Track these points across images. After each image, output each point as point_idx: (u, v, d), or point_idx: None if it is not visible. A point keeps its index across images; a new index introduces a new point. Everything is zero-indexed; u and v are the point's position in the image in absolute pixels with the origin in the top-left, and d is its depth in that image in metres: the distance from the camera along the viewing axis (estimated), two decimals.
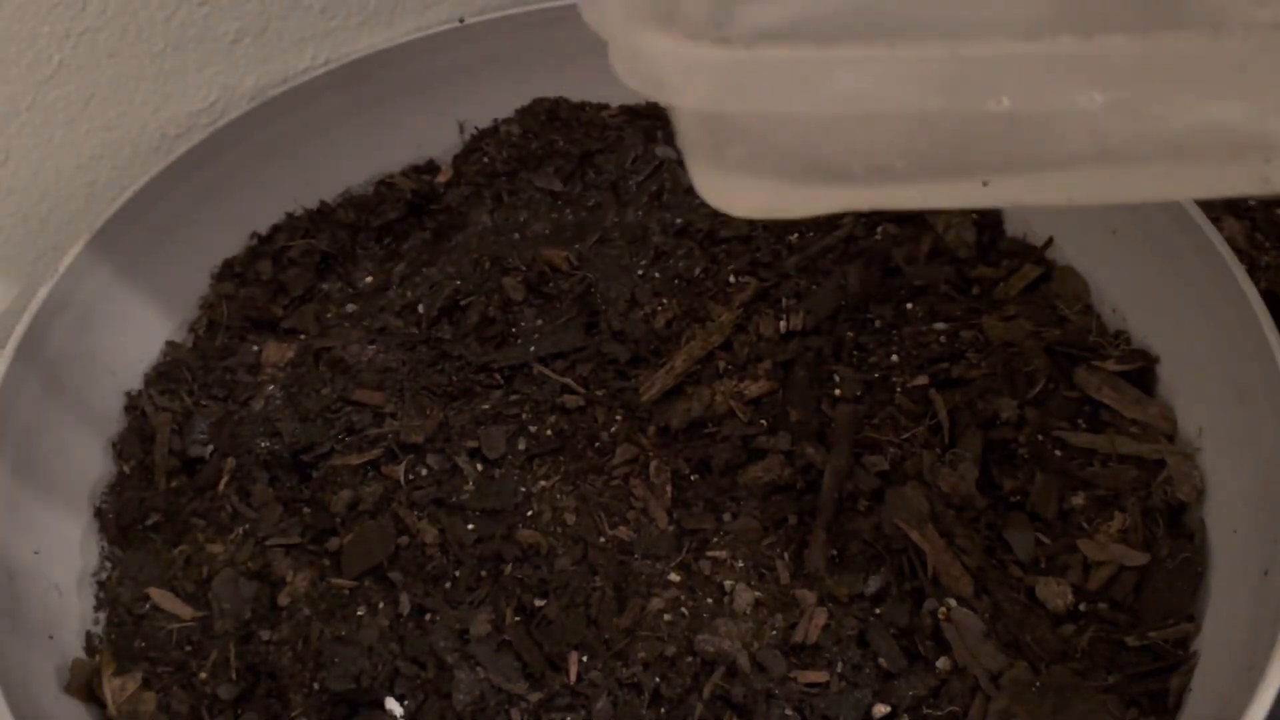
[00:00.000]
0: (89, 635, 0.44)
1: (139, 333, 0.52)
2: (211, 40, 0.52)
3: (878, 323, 0.50)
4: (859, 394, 0.48)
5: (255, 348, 0.52)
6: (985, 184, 0.25)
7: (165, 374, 0.52)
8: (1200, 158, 0.24)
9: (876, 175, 0.26)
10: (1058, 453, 0.46)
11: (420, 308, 0.53)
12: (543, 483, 0.46)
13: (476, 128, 0.62)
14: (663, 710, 0.40)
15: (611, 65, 0.26)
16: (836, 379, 0.48)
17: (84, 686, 0.42)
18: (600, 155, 0.60)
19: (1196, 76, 0.22)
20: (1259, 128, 0.23)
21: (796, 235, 0.55)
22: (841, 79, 0.23)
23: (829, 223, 0.55)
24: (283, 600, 0.43)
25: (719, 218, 0.56)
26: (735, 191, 0.27)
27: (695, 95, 0.25)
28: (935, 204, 0.28)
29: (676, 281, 0.53)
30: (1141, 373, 0.47)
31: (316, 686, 0.41)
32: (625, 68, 0.26)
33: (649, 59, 0.25)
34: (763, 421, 0.47)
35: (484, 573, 0.44)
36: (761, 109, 0.25)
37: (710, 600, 0.42)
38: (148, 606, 0.44)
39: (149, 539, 0.46)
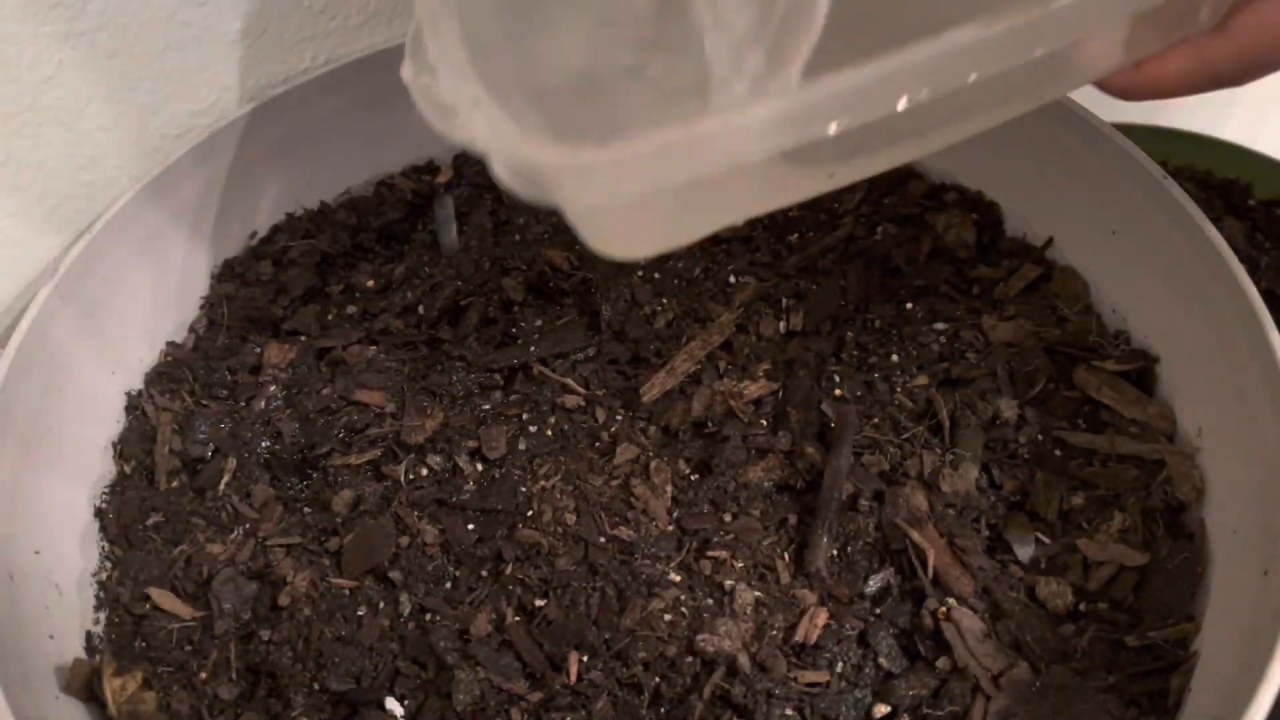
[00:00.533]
0: (89, 635, 0.44)
1: (139, 333, 0.52)
2: (211, 40, 0.52)
3: (878, 323, 0.51)
4: (859, 394, 0.48)
5: (256, 348, 0.52)
6: (831, 175, 0.32)
7: (165, 374, 0.52)
8: (997, 100, 0.32)
9: (742, 199, 0.33)
10: (1058, 453, 0.46)
11: (421, 308, 0.53)
12: (543, 483, 0.46)
13: None
14: (663, 710, 0.40)
15: (496, 176, 0.30)
16: (836, 379, 0.48)
17: (84, 686, 0.42)
18: None
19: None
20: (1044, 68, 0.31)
21: (796, 235, 0.55)
22: (709, 147, 0.29)
23: (829, 223, 0.55)
24: (283, 600, 0.43)
25: None
26: (627, 245, 0.33)
27: (591, 194, 0.30)
28: (790, 201, 0.33)
29: (676, 281, 0.53)
30: (1141, 373, 0.47)
31: (317, 686, 0.41)
32: (516, 180, 0.30)
33: (540, 171, 0.29)
34: (763, 421, 0.47)
35: (484, 573, 0.44)
36: (646, 189, 0.29)
37: (711, 600, 0.42)
38: (148, 606, 0.44)
39: (149, 539, 0.46)
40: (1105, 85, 0.36)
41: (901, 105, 0.29)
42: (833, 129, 0.29)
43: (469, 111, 0.32)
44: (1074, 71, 0.34)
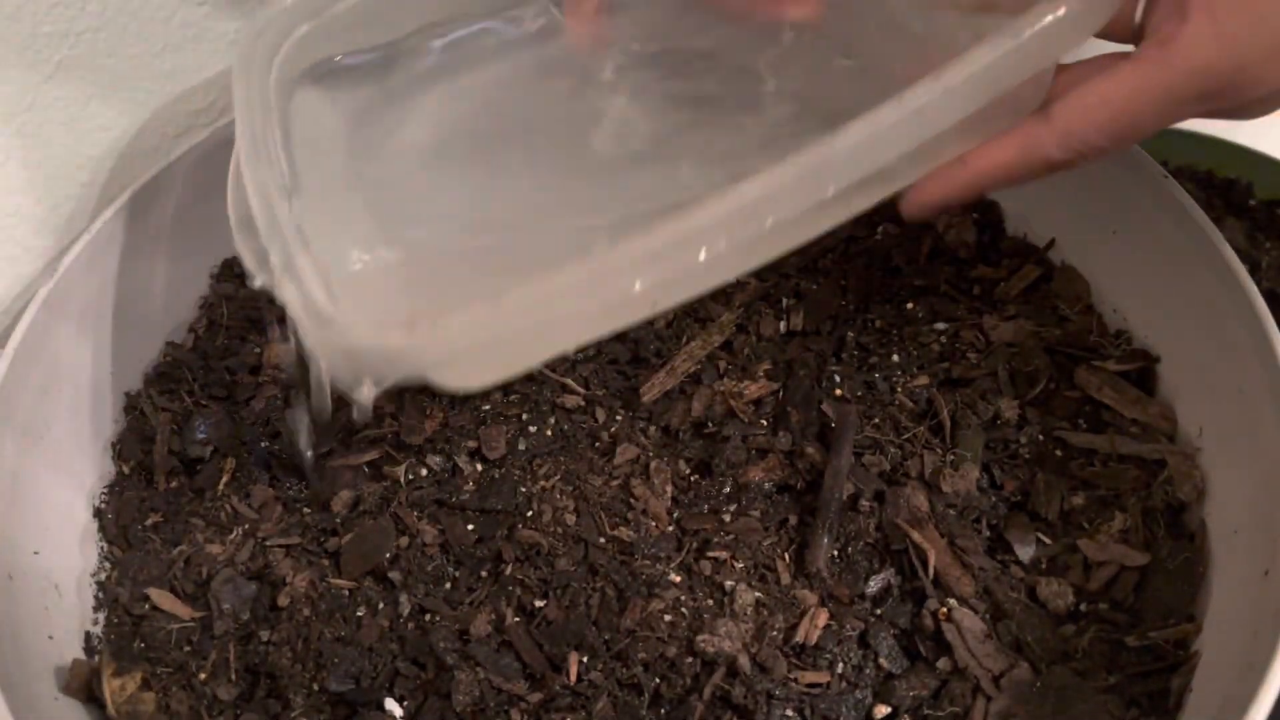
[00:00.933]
0: (88, 636, 0.44)
1: (139, 333, 0.52)
2: (211, 40, 0.52)
3: (878, 323, 0.50)
4: (859, 394, 0.48)
5: (256, 348, 0.52)
6: (654, 303, 0.34)
7: (165, 374, 0.52)
8: (810, 225, 0.34)
9: (569, 335, 0.35)
10: (1058, 453, 0.46)
11: None
12: (543, 483, 0.46)
13: None
14: (663, 711, 0.40)
15: (318, 356, 0.33)
16: (837, 379, 0.48)
17: (83, 687, 0.42)
18: None
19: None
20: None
21: None
22: (523, 313, 0.31)
23: None
24: (282, 600, 0.43)
25: None
26: (466, 382, 0.36)
27: (417, 369, 0.32)
28: (618, 328, 0.35)
29: None
30: (1142, 373, 0.47)
31: (316, 687, 0.41)
32: (337, 364, 0.32)
33: (353, 352, 0.32)
34: (763, 421, 0.47)
35: (484, 573, 0.44)
36: (458, 359, 0.32)
37: (711, 601, 0.42)
38: (147, 607, 0.44)
39: (148, 539, 0.46)
40: (912, 193, 0.35)
41: (702, 257, 0.31)
42: (638, 286, 0.31)
43: (281, 275, 0.33)
44: (887, 184, 0.35)
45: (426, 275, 0.38)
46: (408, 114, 0.43)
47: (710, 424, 0.47)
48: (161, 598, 0.44)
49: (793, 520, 0.44)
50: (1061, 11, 0.32)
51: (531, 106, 0.44)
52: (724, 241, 0.31)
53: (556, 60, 0.44)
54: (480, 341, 0.31)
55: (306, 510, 0.46)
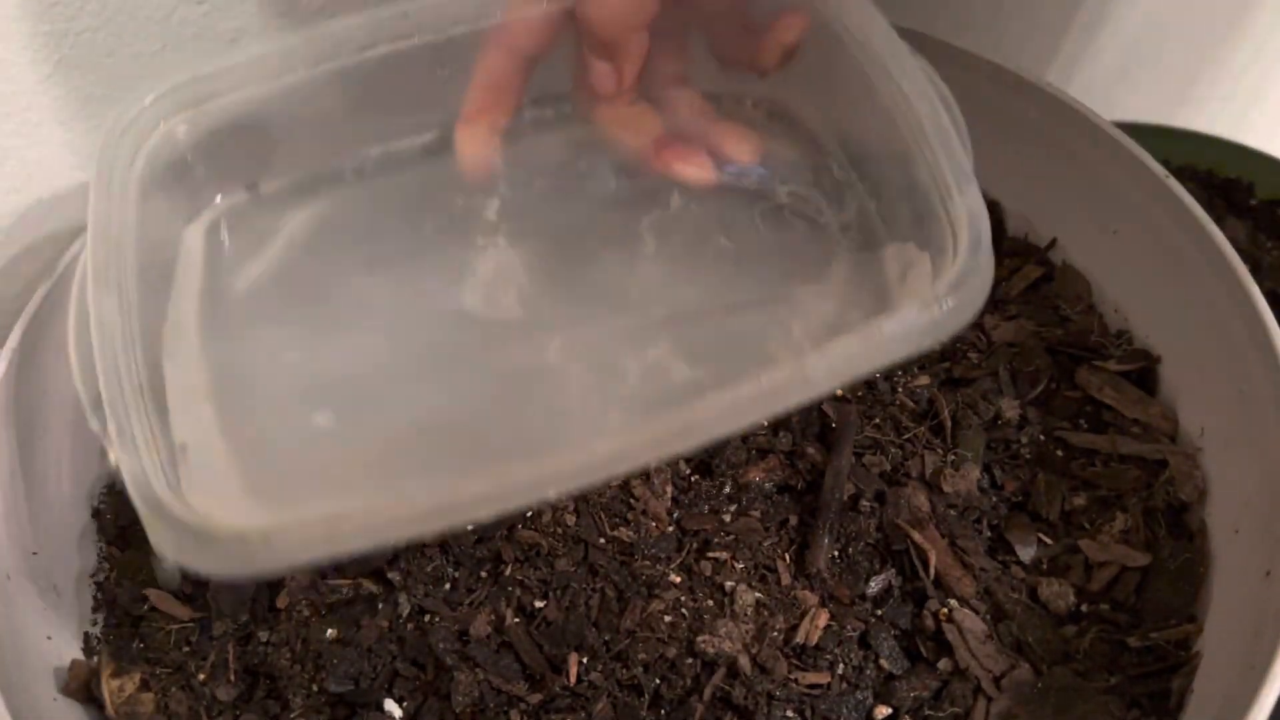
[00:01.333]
0: (87, 636, 0.44)
1: None
2: (210, 40, 0.51)
3: None
4: (860, 394, 0.48)
5: None
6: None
7: None
8: None
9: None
10: (1059, 453, 0.46)
11: None
12: None
13: None
14: (663, 712, 0.40)
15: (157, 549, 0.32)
16: None
17: (82, 687, 0.42)
18: None
19: None
20: None
21: None
22: (344, 541, 0.31)
23: None
24: (281, 601, 0.43)
25: None
26: None
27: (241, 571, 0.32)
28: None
29: None
30: (1143, 373, 0.47)
31: (315, 688, 0.41)
32: (164, 547, 0.32)
33: (180, 545, 0.32)
34: (764, 421, 0.47)
35: (484, 573, 0.44)
36: (283, 565, 0.32)
37: (711, 601, 0.42)
38: (146, 607, 0.44)
39: (147, 539, 0.46)
40: None
41: (552, 494, 0.31)
42: (484, 515, 0.31)
43: (115, 440, 0.32)
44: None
45: (265, 460, 0.37)
46: (268, 240, 0.41)
47: None
48: (160, 598, 0.44)
49: (793, 520, 0.44)
50: (907, 321, 0.32)
51: (404, 241, 0.42)
52: (570, 485, 0.31)
53: (441, 188, 0.42)
54: (314, 557, 0.31)
55: None
